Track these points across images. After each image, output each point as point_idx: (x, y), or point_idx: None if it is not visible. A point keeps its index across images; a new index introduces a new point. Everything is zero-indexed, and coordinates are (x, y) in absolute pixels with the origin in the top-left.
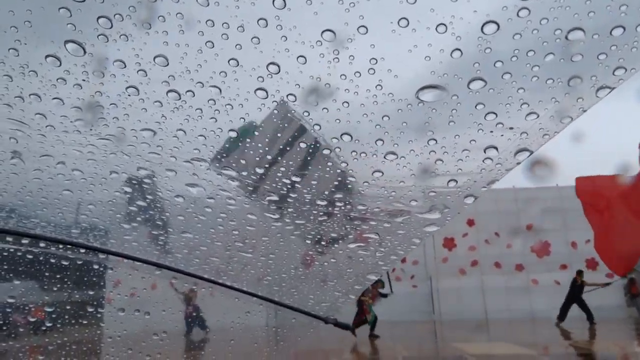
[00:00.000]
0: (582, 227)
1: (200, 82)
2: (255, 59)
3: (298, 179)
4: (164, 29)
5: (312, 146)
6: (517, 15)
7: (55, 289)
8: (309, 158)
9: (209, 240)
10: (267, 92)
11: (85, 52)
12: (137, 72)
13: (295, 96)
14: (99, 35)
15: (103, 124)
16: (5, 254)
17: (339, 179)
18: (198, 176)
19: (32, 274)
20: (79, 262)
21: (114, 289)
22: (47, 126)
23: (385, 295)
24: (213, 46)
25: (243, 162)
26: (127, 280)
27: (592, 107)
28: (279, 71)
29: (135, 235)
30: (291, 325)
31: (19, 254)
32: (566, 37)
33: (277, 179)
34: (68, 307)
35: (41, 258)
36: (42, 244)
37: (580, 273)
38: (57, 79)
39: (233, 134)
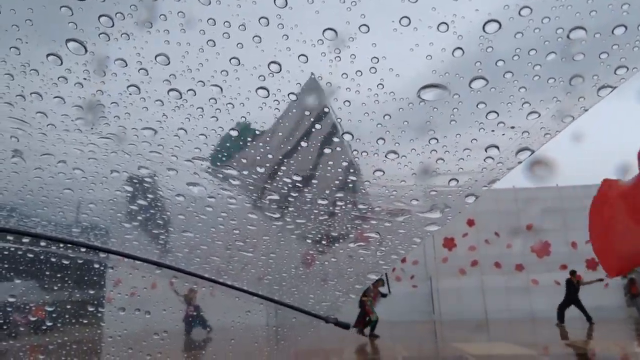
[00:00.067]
0: (582, 227)
1: (202, 81)
2: (256, 57)
3: (312, 167)
4: (165, 27)
5: (330, 130)
6: (519, 14)
7: (55, 288)
8: (325, 143)
9: (210, 240)
10: (268, 91)
11: (86, 50)
12: (138, 70)
13: (296, 95)
14: (100, 33)
15: (104, 122)
16: (5, 252)
17: (349, 170)
18: (199, 175)
19: (32, 273)
20: (80, 261)
21: (115, 288)
22: (48, 125)
23: (384, 295)
24: (214, 45)
25: (251, 158)
26: (127, 279)
27: (593, 107)
28: (280, 70)
29: (135, 234)
30: (291, 324)
31: (20, 253)
32: (568, 36)
33: (292, 168)
34: (68, 307)
35: (42, 257)
36: (42, 243)
37: (573, 273)
38: (59, 78)
39: (234, 133)
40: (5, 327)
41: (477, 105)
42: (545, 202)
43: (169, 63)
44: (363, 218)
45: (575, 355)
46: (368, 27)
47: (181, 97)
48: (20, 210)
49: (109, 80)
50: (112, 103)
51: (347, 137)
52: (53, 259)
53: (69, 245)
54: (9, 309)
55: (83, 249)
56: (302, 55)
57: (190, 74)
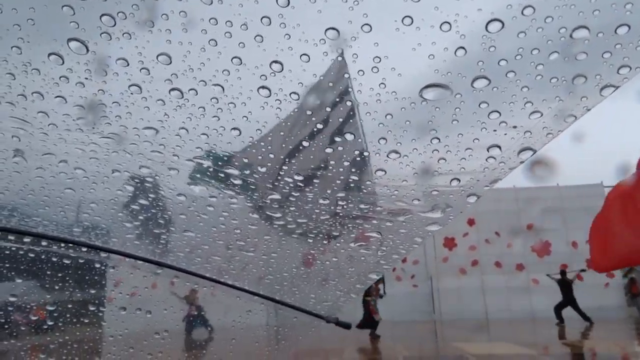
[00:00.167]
0: (582, 227)
1: (203, 81)
2: (258, 57)
3: (320, 162)
4: (167, 27)
5: (349, 114)
6: (522, 13)
7: (56, 287)
8: (342, 128)
9: (211, 239)
10: (270, 90)
11: (88, 50)
12: (140, 70)
13: (298, 95)
14: (102, 33)
15: (105, 122)
16: (7, 252)
17: (359, 158)
18: (200, 175)
19: (33, 272)
20: (81, 261)
21: (115, 288)
22: (49, 124)
23: (380, 296)
24: (216, 44)
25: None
26: (128, 279)
27: (595, 106)
28: (282, 69)
29: (137, 234)
30: (292, 324)
31: (21, 252)
32: (571, 36)
33: (301, 162)
34: (69, 306)
35: (43, 257)
36: (43, 243)
37: (563, 273)
38: (60, 77)
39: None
40: (6, 326)
41: (479, 105)
42: (546, 202)
43: (170, 62)
44: (364, 217)
45: (575, 355)
46: (370, 27)
47: (183, 97)
48: (21, 210)
49: (110, 80)
50: (114, 102)
51: (349, 136)
52: (54, 259)
53: (70, 244)
54: (10, 309)
55: (84, 249)
56: (304, 54)
57: (191, 74)
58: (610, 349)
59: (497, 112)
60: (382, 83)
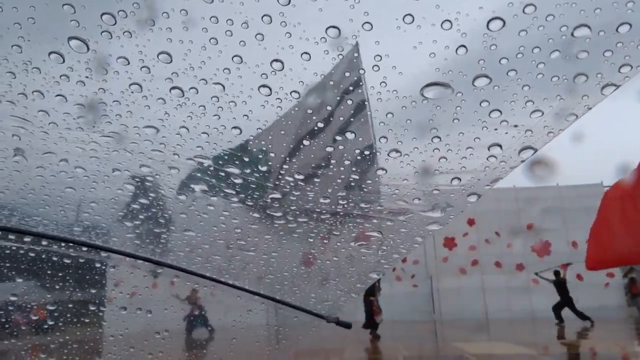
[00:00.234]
0: (582, 227)
1: (204, 79)
2: (259, 55)
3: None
4: (167, 25)
5: (359, 104)
6: (523, 11)
7: (57, 287)
8: (352, 118)
9: (212, 239)
10: (270, 89)
11: (88, 48)
12: (141, 69)
13: (299, 93)
14: (103, 32)
15: (106, 121)
16: (7, 252)
17: (367, 151)
18: (201, 174)
19: (34, 272)
20: (81, 261)
21: (116, 288)
22: (50, 123)
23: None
24: (217, 43)
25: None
26: (128, 278)
27: (596, 105)
28: (283, 68)
29: (137, 233)
30: (293, 324)
31: (21, 252)
32: (572, 34)
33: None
34: (70, 306)
35: (43, 256)
36: (44, 242)
37: (557, 274)
38: (60, 76)
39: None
40: (6, 326)
41: (480, 104)
42: (546, 202)
43: (171, 61)
44: (365, 217)
45: (575, 355)
46: (371, 25)
47: (183, 95)
48: (21, 209)
49: (111, 79)
50: (114, 101)
51: (349, 135)
52: (54, 258)
53: (70, 244)
54: (10, 308)
55: (84, 248)
56: (305, 53)
57: (192, 72)
58: (610, 349)
59: (498, 110)
60: (382, 82)
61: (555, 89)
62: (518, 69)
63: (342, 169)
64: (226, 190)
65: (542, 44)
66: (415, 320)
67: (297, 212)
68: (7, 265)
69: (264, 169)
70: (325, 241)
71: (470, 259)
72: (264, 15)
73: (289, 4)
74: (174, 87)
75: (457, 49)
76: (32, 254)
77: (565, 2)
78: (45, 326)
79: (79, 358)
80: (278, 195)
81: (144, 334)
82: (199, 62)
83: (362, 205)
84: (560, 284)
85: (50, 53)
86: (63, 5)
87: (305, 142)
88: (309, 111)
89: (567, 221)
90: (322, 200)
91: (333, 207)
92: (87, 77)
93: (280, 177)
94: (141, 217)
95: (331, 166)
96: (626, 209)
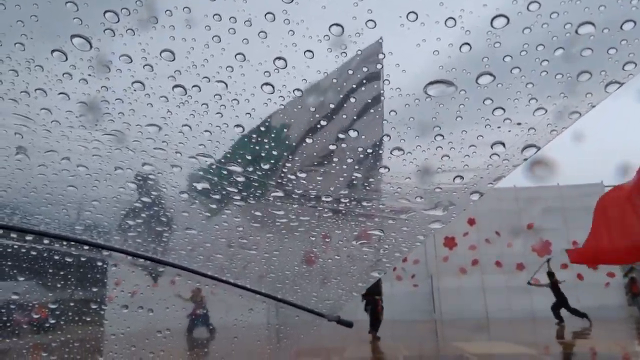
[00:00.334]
0: (582, 227)
1: (207, 77)
2: (262, 53)
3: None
4: (170, 23)
5: (375, 98)
6: (527, 9)
7: (58, 286)
8: (365, 111)
9: (213, 237)
10: (273, 87)
11: (91, 46)
12: (143, 67)
13: (301, 91)
14: (106, 29)
15: (108, 119)
16: (9, 250)
17: (376, 145)
18: (203, 172)
19: (35, 270)
20: (83, 259)
21: (117, 286)
22: (52, 121)
23: None
24: (220, 41)
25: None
26: (130, 277)
27: (600, 103)
28: (286, 66)
29: (139, 232)
30: (294, 322)
31: (23, 250)
32: (576, 32)
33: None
34: (71, 304)
35: (45, 255)
36: (45, 241)
37: (551, 274)
38: (63, 74)
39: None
40: (8, 325)
41: (483, 102)
42: (546, 202)
43: (174, 59)
44: (367, 215)
45: (575, 354)
46: (375, 23)
47: (186, 94)
48: (23, 208)
49: (113, 77)
50: (117, 99)
51: (352, 133)
52: (56, 257)
53: (72, 243)
54: (12, 307)
55: (86, 247)
56: (308, 50)
57: (195, 70)
58: (610, 348)
59: (502, 108)
60: (386, 79)
61: (558, 86)
62: (522, 67)
63: (347, 166)
64: (228, 189)
65: (546, 41)
66: (415, 319)
67: (299, 211)
68: (9, 263)
69: (267, 166)
70: (326, 240)
71: (471, 258)
72: (267, 13)
73: (292, 1)
74: (176, 85)
75: (460, 47)
76: (34, 253)
77: None
78: (47, 325)
79: (80, 357)
80: (280, 194)
81: (146, 333)
82: (202, 60)
83: (364, 203)
84: (554, 285)
85: (52, 51)
86: (66, 3)
87: (308, 140)
88: (323, 106)
89: (567, 221)
90: (324, 199)
91: (335, 205)
92: (89, 75)
93: (282, 174)
94: (143, 215)
95: (334, 164)
96: (625, 210)
